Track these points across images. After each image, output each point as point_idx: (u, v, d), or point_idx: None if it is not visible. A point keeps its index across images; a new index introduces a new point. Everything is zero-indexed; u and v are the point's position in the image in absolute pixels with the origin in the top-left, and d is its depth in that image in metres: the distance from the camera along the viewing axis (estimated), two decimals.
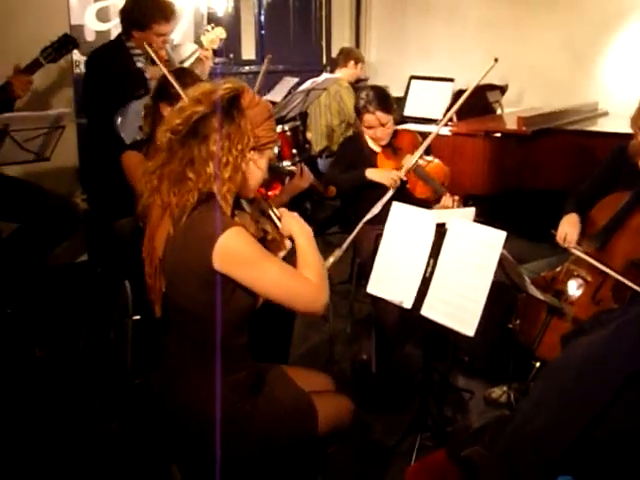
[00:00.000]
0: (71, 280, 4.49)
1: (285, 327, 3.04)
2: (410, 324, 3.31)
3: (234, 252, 1.85)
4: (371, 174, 3.62)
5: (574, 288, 3.09)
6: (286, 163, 5.24)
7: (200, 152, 1.90)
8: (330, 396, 2.30)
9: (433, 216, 2.58)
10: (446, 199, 3.49)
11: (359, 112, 3.68)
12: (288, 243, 2.17)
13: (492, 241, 2.37)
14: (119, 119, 3.60)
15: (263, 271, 1.88)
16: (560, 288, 3.09)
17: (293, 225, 2.10)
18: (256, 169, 2.01)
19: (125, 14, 3.89)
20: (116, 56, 3.84)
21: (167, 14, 3.87)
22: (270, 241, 2.15)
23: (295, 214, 2.15)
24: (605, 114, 5.54)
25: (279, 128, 5.26)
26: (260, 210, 2.17)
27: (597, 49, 5.97)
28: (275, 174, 3.42)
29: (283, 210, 2.15)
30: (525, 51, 6.24)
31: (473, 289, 2.39)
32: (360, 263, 3.82)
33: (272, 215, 2.13)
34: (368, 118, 3.64)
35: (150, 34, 3.82)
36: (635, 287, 2.89)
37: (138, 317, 3.18)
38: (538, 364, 3.07)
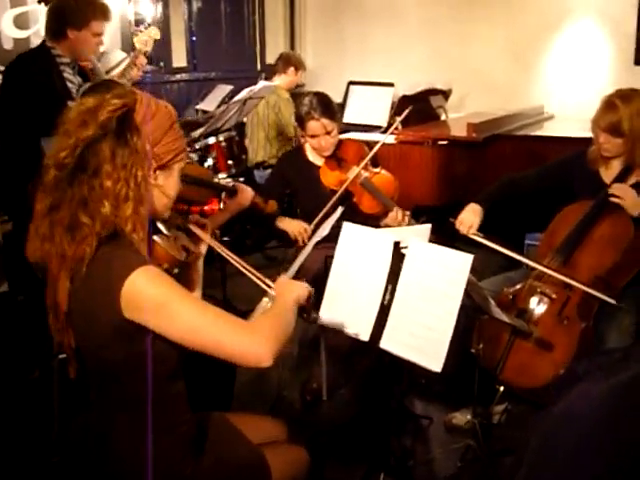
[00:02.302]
0: None
1: (226, 367, 2.75)
2: (362, 345, 3.09)
3: (141, 297, 1.54)
4: (281, 223, 3.40)
5: (538, 306, 2.89)
6: (222, 175, 4.99)
7: (92, 190, 1.59)
8: (283, 449, 2.05)
9: (390, 237, 2.33)
10: (395, 213, 3.27)
11: (302, 120, 3.42)
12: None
13: (458, 265, 2.14)
14: (45, 142, 3.25)
15: (180, 317, 1.56)
16: (523, 306, 2.88)
17: (285, 290, 1.86)
18: (167, 189, 1.73)
19: (58, 12, 3.54)
20: (41, 66, 3.48)
21: (105, 11, 3.58)
22: (193, 258, 1.94)
23: (290, 280, 1.97)
24: (551, 117, 5.47)
25: (212, 139, 5.00)
26: (176, 225, 1.94)
27: (538, 51, 5.90)
28: (212, 190, 3.14)
29: (279, 280, 1.94)
30: (467, 54, 6.14)
31: (438, 318, 2.15)
32: (307, 282, 3.56)
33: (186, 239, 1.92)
34: (312, 125, 3.39)
35: (87, 33, 3.50)
36: (603, 297, 2.72)
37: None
38: (502, 388, 2.86)
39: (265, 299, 2.25)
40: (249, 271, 2.01)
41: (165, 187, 1.72)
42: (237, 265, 2.07)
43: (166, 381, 1.70)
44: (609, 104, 2.97)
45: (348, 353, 3.42)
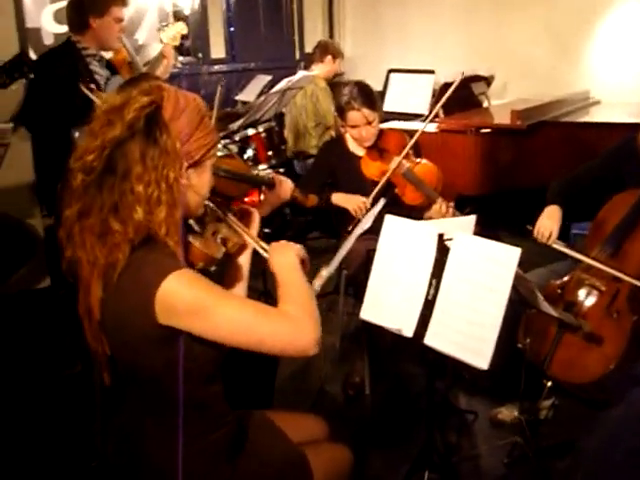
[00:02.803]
0: (32, 308, 4.15)
1: (267, 362, 2.72)
2: (404, 338, 3.04)
3: (178, 302, 1.49)
4: (336, 199, 3.37)
5: (586, 299, 2.80)
6: (262, 167, 4.96)
7: (123, 195, 1.52)
8: (325, 447, 2.01)
9: (434, 230, 2.27)
10: (439, 205, 3.19)
11: (342, 110, 3.36)
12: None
13: (505, 259, 2.06)
14: (77, 133, 3.25)
15: (219, 318, 1.51)
16: (571, 299, 2.80)
17: (278, 258, 1.77)
18: (200, 187, 1.65)
19: (78, 3, 3.55)
20: (67, 59, 3.48)
21: None
22: (235, 251, 1.84)
23: (284, 242, 1.83)
24: (597, 103, 5.32)
25: (252, 131, 4.97)
26: (216, 217, 1.84)
27: (581, 35, 5.74)
28: (250, 184, 3.10)
29: (273, 245, 1.82)
30: (507, 40, 6.01)
31: (485, 314, 2.08)
32: (348, 275, 3.52)
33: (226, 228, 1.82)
34: (353, 116, 3.33)
35: (109, 20, 3.51)
36: None
37: None
38: (550, 383, 2.78)
39: (323, 272, 2.19)
40: (245, 232, 1.90)
41: (198, 185, 1.64)
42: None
43: (204, 385, 1.66)
44: None
45: (391, 346, 3.37)
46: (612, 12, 5.57)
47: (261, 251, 1.85)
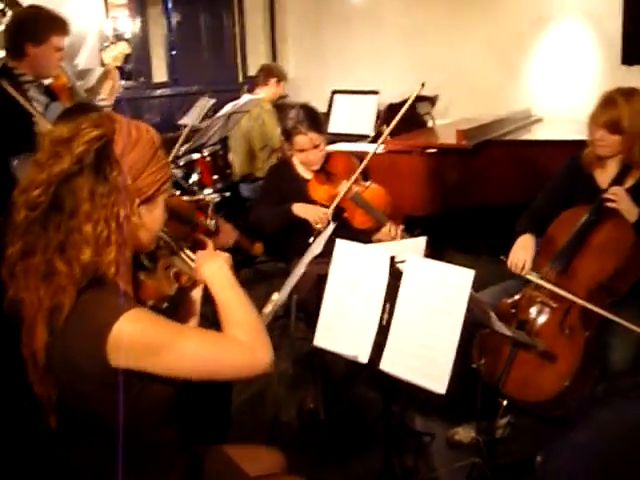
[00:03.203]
0: None
1: (221, 394, 2.65)
2: (358, 363, 3.01)
3: (134, 343, 1.42)
4: (298, 209, 3.32)
5: (539, 317, 2.81)
6: (208, 191, 4.89)
7: (70, 234, 1.43)
8: None
9: (386, 254, 2.25)
10: (388, 228, 3.19)
11: (289, 134, 3.34)
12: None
13: (459, 281, 2.05)
14: (15, 161, 3.14)
15: (178, 353, 1.45)
16: (523, 318, 2.80)
17: (204, 265, 1.70)
18: (151, 223, 1.57)
19: (16, 28, 3.43)
20: (3, 85, 3.37)
21: (64, 25, 3.47)
22: (189, 285, 1.75)
23: (209, 250, 1.76)
24: (539, 120, 5.40)
25: (196, 155, 4.92)
26: (169, 251, 1.74)
27: (523, 53, 5.87)
28: (193, 226, 3.02)
29: (200, 253, 1.75)
30: (451, 59, 6.09)
31: (440, 338, 2.06)
32: (298, 300, 3.47)
33: (184, 257, 1.73)
34: (300, 140, 3.31)
35: (48, 48, 3.40)
36: (603, 313, 2.67)
37: None
38: (505, 402, 2.78)
39: (266, 310, 2.15)
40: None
41: (150, 222, 1.56)
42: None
43: (159, 427, 1.60)
44: (609, 100, 2.89)
45: (344, 371, 3.33)
46: (552, 30, 5.71)
47: (189, 262, 1.75)
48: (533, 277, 2.88)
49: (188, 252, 1.77)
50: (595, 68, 5.57)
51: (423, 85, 3.29)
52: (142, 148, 1.50)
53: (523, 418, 3.06)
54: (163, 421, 1.61)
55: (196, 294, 1.83)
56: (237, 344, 1.55)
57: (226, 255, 1.76)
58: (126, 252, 1.48)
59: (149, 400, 1.51)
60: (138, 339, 1.42)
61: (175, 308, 1.78)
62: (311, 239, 3.11)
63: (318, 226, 3.19)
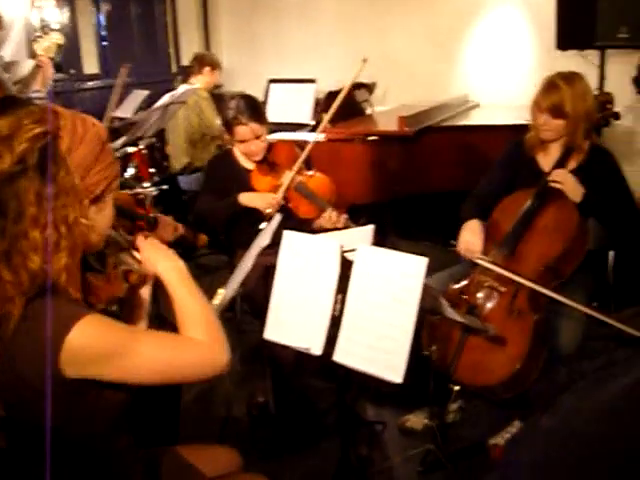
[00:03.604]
0: None
1: (170, 394, 2.59)
2: (307, 354, 2.98)
3: (89, 352, 1.35)
4: (245, 199, 3.24)
5: (487, 301, 2.82)
6: (145, 185, 4.79)
7: (16, 240, 1.32)
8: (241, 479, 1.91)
9: (336, 244, 2.21)
10: (328, 213, 3.17)
11: (230, 125, 3.27)
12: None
13: (412, 269, 2.03)
14: None
15: (135, 359, 1.39)
16: (472, 302, 2.81)
17: (157, 260, 1.63)
18: (101, 223, 1.48)
19: None
20: None
21: None
22: (138, 282, 1.67)
23: (156, 242, 1.69)
24: (476, 106, 5.45)
25: (132, 148, 4.80)
26: (117, 249, 1.66)
27: (459, 39, 5.92)
28: (132, 220, 2.93)
29: (141, 240, 1.67)
30: (387, 46, 6.10)
31: (395, 327, 2.04)
32: (244, 293, 3.41)
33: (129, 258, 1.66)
34: (241, 130, 3.24)
35: None
36: (550, 294, 2.69)
37: None
38: (457, 388, 2.78)
39: (215, 301, 2.09)
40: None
41: (99, 223, 1.47)
42: None
43: (114, 434, 1.54)
44: (551, 85, 2.91)
45: (294, 362, 3.30)
46: (487, 17, 5.76)
47: (135, 259, 1.68)
48: (484, 262, 2.89)
49: (133, 251, 1.70)
50: (530, 53, 5.66)
51: (365, 61, 3.26)
52: (89, 144, 1.40)
53: (474, 402, 3.09)
54: (118, 428, 1.55)
55: (145, 292, 1.76)
56: (195, 344, 1.51)
57: (172, 252, 1.70)
58: (77, 257, 1.40)
59: (105, 408, 1.45)
60: (93, 348, 1.35)
61: (125, 309, 1.72)
62: (263, 224, 3.05)
63: (269, 211, 3.13)
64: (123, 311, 1.70)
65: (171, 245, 2.79)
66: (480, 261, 2.89)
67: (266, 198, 3.19)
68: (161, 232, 2.73)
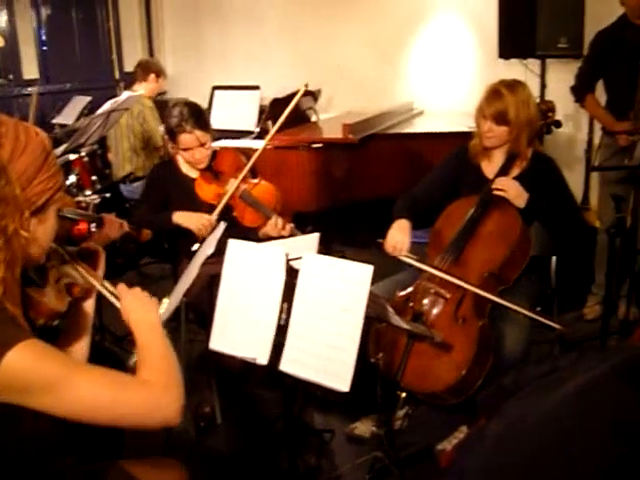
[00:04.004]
0: None
1: None
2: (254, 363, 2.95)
3: (23, 379, 1.28)
4: (179, 218, 3.21)
5: (433, 308, 2.83)
6: (87, 193, 4.69)
7: None
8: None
9: (281, 252, 2.19)
10: (274, 220, 3.16)
11: (173, 133, 3.22)
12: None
13: (358, 277, 2.02)
14: None
15: (73, 394, 1.32)
16: (418, 309, 2.82)
17: (133, 309, 1.61)
18: (43, 235, 1.43)
19: None
20: None
21: None
22: (81, 296, 1.64)
23: (137, 292, 1.67)
24: (421, 113, 5.49)
25: (73, 156, 4.70)
26: (59, 261, 1.61)
27: (403, 47, 5.97)
28: (75, 219, 2.89)
29: (122, 287, 1.65)
30: (332, 53, 6.12)
31: (341, 336, 2.03)
32: (189, 302, 3.37)
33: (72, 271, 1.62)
34: (185, 138, 3.20)
35: None
36: (494, 299, 2.73)
37: None
38: (404, 394, 2.78)
39: (165, 300, 2.05)
40: (92, 276, 1.72)
41: (41, 235, 1.42)
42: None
43: (55, 456, 1.49)
44: (495, 92, 2.95)
45: (240, 371, 3.27)
46: (431, 25, 5.82)
47: (112, 299, 1.67)
48: (410, 259, 2.91)
49: (109, 286, 1.68)
50: (473, 61, 5.72)
51: (306, 86, 3.27)
52: (32, 153, 1.36)
53: (421, 408, 3.10)
54: (59, 449, 1.50)
55: (89, 306, 1.71)
56: (142, 387, 1.44)
57: (155, 301, 1.69)
58: (16, 270, 1.34)
59: (43, 433, 1.40)
60: (28, 377, 1.29)
61: (68, 322, 1.67)
62: (196, 246, 3.03)
63: (203, 234, 3.10)
64: (65, 325, 1.65)
65: (117, 242, 2.77)
66: (406, 259, 2.93)
67: (199, 220, 3.16)
68: (107, 230, 2.71)
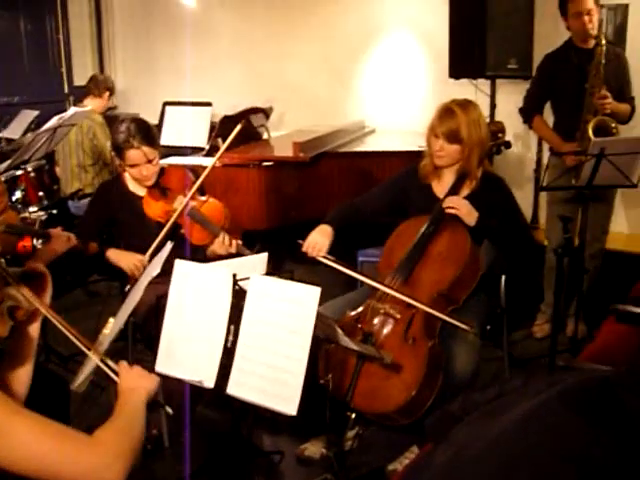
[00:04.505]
0: None
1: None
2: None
3: None
4: (112, 255, 3.17)
5: (383, 328, 2.81)
6: (33, 209, 4.59)
7: None
8: None
9: (228, 273, 2.16)
10: (222, 238, 3.13)
11: (120, 149, 3.16)
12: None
13: (305, 299, 2.00)
14: None
15: (11, 441, 1.27)
16: (368, 330, 2.79)
17: (126, 383, 1.63)
18: None
19: None
20: None
21: None
22: (24, 319, 1.57)
23: (137, 370, 1.70)
24: (372, 132, 5.51)
25: (20, 171, 4.61)
26: (2, 282, 1.54)
27: (356, 66, 6.00)
28: (23, 235, 2.83)
29: (124, 367, 1.67)
30: (284, 71, 6.11)
31: (289, 359, 2.00)
32: (136, 323, 3.30)
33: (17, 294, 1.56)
34: (132, 154, 3.14)
35: None
36: (445, 318, 2.72)
37: None
38: (354, 415, 2.75)
39: (106, 330, 2.00)
40: (91, 350, 1.73)
41: None
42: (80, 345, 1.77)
43: None
44: (447, 110, 2.97)
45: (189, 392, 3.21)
46: (383, 44, 5.87)
47: (111, 374, 1.70)
48: (328, 261, 2.94)
49: (109, 362, 1.71)
50: (424, 81, 5.78)
51: (242, 124, 3.30)
52: None
53: (371, 428, 3.08)
54: None
55: (33, 329, 1.66)
56: (92, 447, 1.38)
57: (155, 378, 1.72)
58: None
59: None
60: None
61: (10, 347, 1.60)
62: (127, 287, 2.98)
63: (135, 275, 3.05)
64: (8, 349, 1.59)
65: (64, 256, 2.71)
66: (324, 260, 2.95)
67: (132, 260, 3.11)
68: (54, 245, 2.66)
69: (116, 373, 1.67)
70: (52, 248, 2.64)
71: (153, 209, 3.21)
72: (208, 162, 3.38)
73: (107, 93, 5.33)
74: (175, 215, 3.11)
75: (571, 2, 3.89)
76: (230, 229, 3.20)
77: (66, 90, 6.84)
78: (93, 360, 1.93)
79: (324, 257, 2.96)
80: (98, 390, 3.36)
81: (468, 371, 2.70)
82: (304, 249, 2.99)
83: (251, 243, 3.33)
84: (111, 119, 5.33)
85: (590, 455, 1.03)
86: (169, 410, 1.88)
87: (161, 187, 3.26)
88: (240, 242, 3.14)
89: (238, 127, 3.21)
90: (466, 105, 2.99)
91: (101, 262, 3.18)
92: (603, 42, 3.82)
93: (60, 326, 1.65)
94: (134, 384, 1.63)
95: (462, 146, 2.94)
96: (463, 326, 2.67)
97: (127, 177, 3.32)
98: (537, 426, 1.09)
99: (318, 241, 2.98)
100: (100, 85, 5.33)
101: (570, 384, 1.16)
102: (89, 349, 1.76)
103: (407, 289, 2.83)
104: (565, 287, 3.51)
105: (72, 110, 4.83)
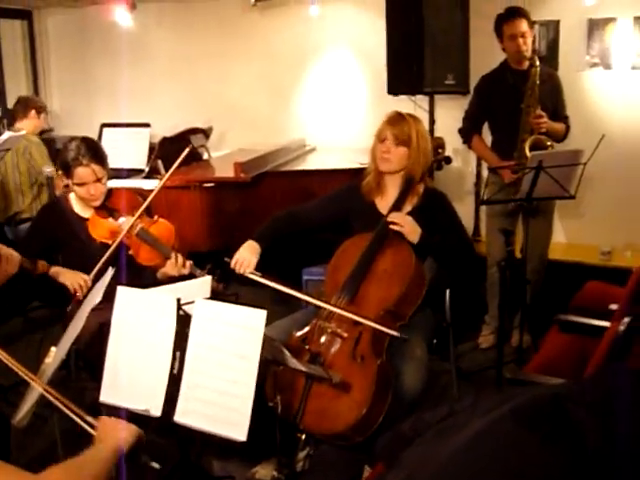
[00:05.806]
0: None
1: None
2: None
3: None
4: (55, 272, 3.09)
5: (331, 347, 2.79)
6: None
7: None
8: None
9: (171, 299, 2.12)
10: (173, 259, 3.08)
11: (68, 167, 3.11)
12: None
13: (251, 322, 1.98)
14: None
15: None
16: (315, 350, 2.77)
17: (104, 434, 1.69)
18: None
19: None
20: None
21: None
22: None
23: (114, 422, 1.76)
24: (313, 150, 5.52)
25: None
26: None
27: (295, 84, 6.03)
28: None
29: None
30: (224, 90, 6.10)
31: (236, 384, 1.98)
32: (78, 350, 3.23)
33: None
34: (81, 172, 3.10)
35: None
36: (392, 332, 2.70)
37: None
38: (304, 436, 2.73)
39: (48, 360, 1.95)
40: (63, 403, 1.71)
41: None
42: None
43: None
44: (398, 115, 3.03)
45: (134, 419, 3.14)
46: (322, 63, 5.91)
47: (87, 427, 1.78)
48: (256, 277, 2.94)
49: (88, 418, 1.79)
50: (363, 98, 5.84)
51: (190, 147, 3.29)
52: None
53: (322, 448, 3.05)
54: None
55: None
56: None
57: (134, 428, 1.78)
58: None
59: None
60: None
61: None
62: (69, 307, 2.92)
63: (78, 294, 2.99)
64: None
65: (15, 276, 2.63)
66: (252, 276, 2.95)
67: (76, 278, 3.04)
68: (5, 266, 2.56)
69: (93, 427, 1.68)
70: (4, 270, 2.55)
71: (99, 230, 3.15)
72: (150, 185, 3.34)
73: (33, 112, 5.18)
74: (122, 234, 3.06)
75: (506, 25, 3.99)
76: (178, 250, 3.16)
77: None
78: (36, 391, 1.88)
79: (251, 273, 2.95)
80: (40, 421, 3.26)
81: (418, 387, 2.70)
82: (232, 266, 2.98)
83: (203, 262, 3.29)
84: (48, 142, 5.22)
85: (544, 473, 1.03)
86: (155, 465, 1.84)
87: (108, 208, 3.22)
88: (191, 261, 3.10)
89: (186, 151, 3.19)
90: (414, 116, 3.07)
91: (45, 283, 3.09)
92: (537, 63, 3.93)
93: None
94: (110, 435, 1.63)
95: (409, 151, 2.97)
96: (396, 334, 2.67)
97: (72, 198, 3.26)
98: (490, 444, 1.09)
99: (245, 257, 2.98)
100: (24, 106, 5.20)
101: (522, 401, 1.16)
102: (32, 380, 1.72)
103: (354, 307, 2.82)
104: (508, 299, 3.56)
105: (6, 134, 4.72)
